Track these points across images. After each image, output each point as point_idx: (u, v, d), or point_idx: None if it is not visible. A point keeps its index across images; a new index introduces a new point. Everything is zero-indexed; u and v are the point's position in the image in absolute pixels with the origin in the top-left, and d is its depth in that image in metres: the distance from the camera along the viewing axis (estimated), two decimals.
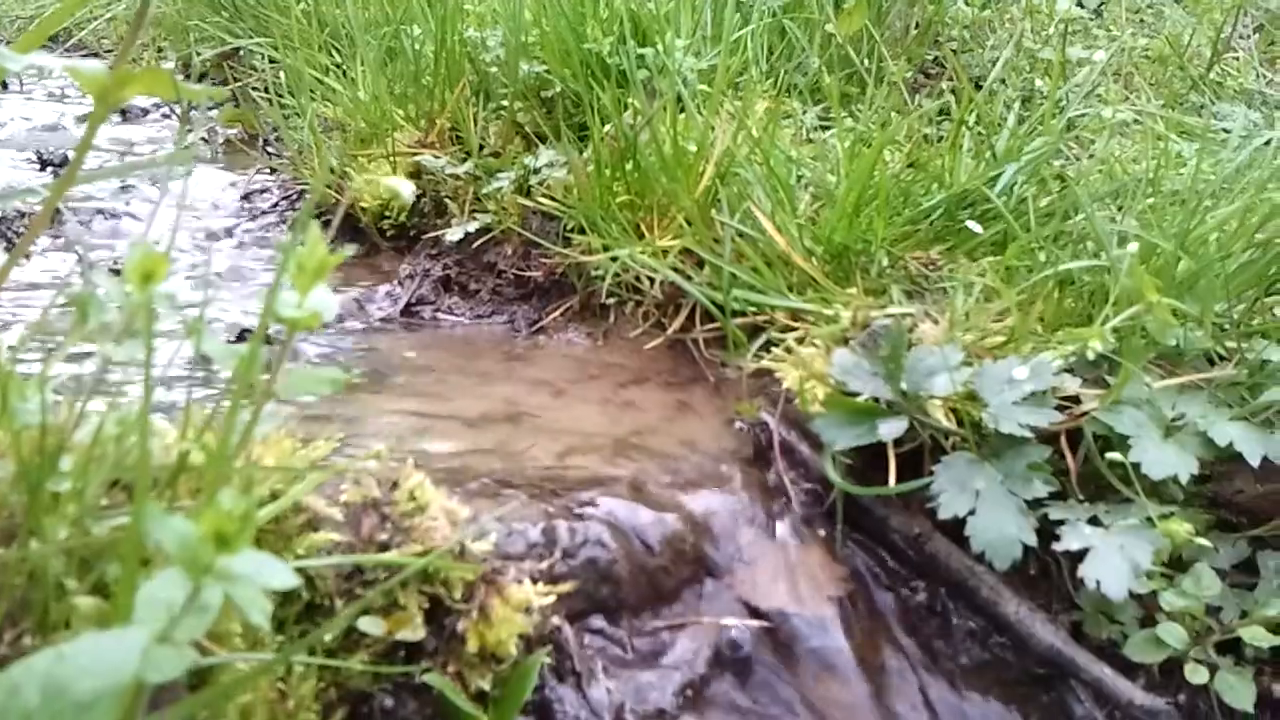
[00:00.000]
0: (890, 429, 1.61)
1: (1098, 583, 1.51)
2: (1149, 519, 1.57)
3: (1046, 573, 1.74)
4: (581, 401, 1.99)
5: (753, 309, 2.01)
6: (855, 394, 1.66)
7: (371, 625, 1.26)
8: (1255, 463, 1.61)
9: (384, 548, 1.30)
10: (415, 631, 1.28)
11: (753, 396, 1.85)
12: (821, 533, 1.70)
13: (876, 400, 1.65)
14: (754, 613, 1.59)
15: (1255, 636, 1.58)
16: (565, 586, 1.42)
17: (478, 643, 1.32)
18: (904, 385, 1.62)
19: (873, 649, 1.61)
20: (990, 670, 1.62)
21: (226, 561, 0.74)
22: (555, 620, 1.45)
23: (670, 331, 2.12)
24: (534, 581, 1.40)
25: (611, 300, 2.23)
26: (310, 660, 1.14)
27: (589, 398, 2.00)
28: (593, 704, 1.44)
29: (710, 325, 2.11)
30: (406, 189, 0.99)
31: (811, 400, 1.67)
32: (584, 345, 2.26)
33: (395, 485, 1.36)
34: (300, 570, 1.24)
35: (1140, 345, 1.67)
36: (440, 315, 2.43)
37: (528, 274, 2.40)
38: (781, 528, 1.69)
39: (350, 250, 1.06)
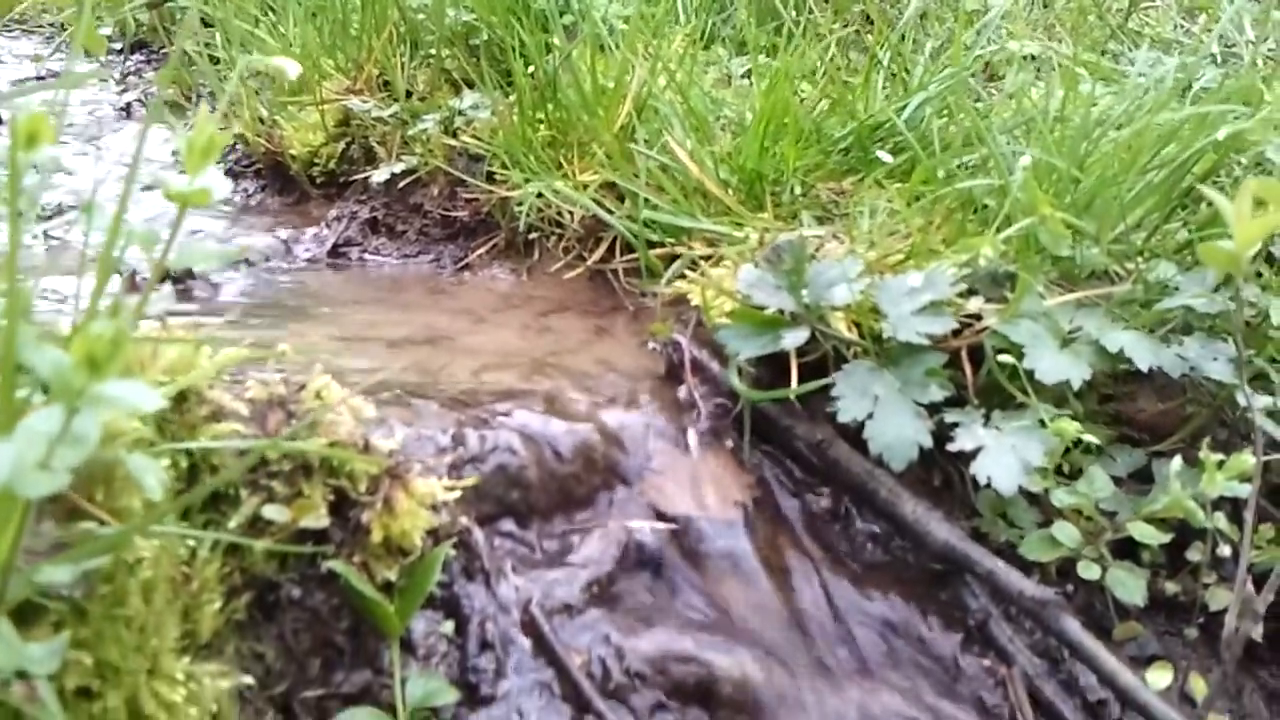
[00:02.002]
0: (793, 338, 1.66)
1: (989, 479, 1.56)
2: (1041, 421, 1.62)
3: (949, 484, 1.80)
4: (501, 328, 2.03)
5: (670, 240, 2.06)
6: (760, 307, 1.70)
7: (276, 513, 1.29)
8: (1144, 368, 1.67)
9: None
10: (319, 519, 1.31)
11: (667, 320, 1.90)
12: (729, 443, 1.75)
13: (780, 312, 1.69)
14: (662, 517, 1.64)
15: (1145, 534, 1.64)
16: (470, 480, 1.45)
17: (382, 533, 1.36)
18: (805, 297, 1.67)
19: (777, 551, 1.66)
20: (890, 570, 1.68)
21: (99, 387, 0.78)
22: (464, 521, 1.49)
23: (590, 262, 2.17)
24: (440, 479, 1.44)
25: (534, 235, 2.27)
26: (209, 535, 1.18)
27: (509, 324, 2.04)
28: (500, 600, 1.48)
29: (629, 256, 2.15)
30: (292, 68, 1.02)
31: (718, 315, 1.72)
32: (508, 280, 2.30)
33: (302, 386, 1.39)
34: (205, 460, 1.28)
35: (1035, 259, 1.73)
36: (367, 256, 2.46)
37: (453, 214, 2.43)
38: (691, 439, 1.74)
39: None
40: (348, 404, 1.39)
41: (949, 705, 1.54)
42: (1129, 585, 1.62)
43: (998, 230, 1.82)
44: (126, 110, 3.53)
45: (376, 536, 1.35)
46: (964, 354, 1.81)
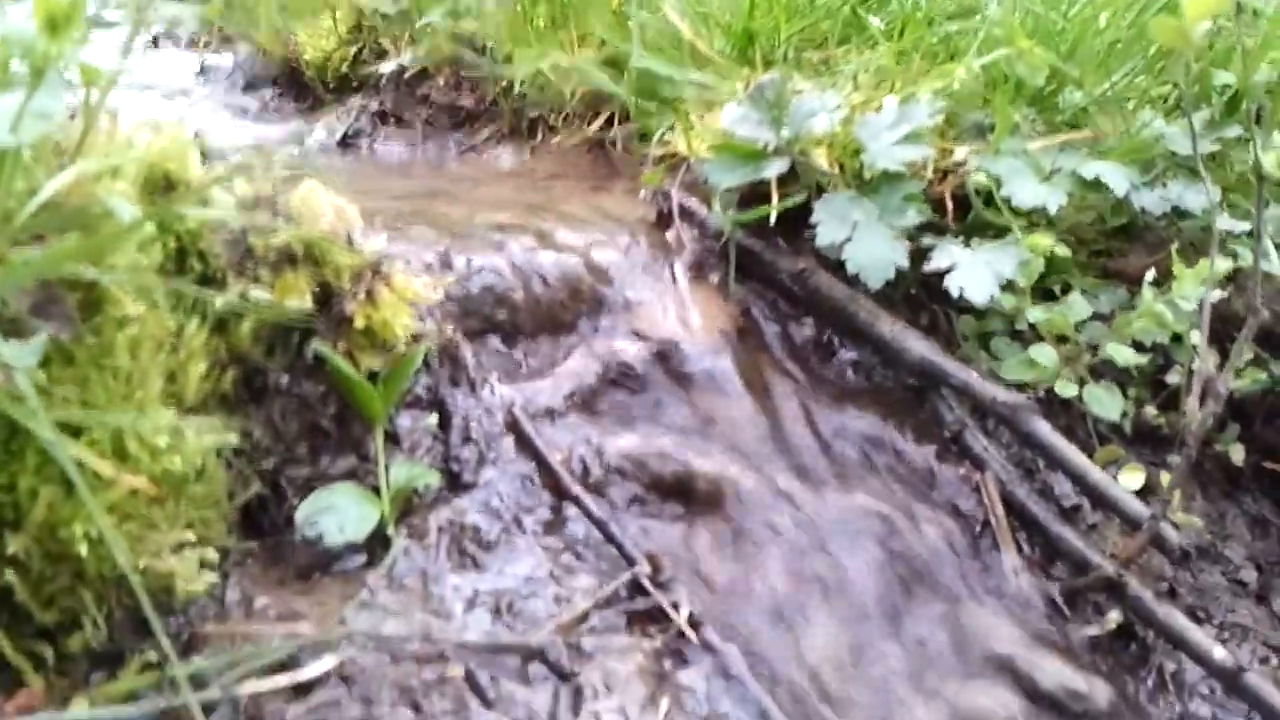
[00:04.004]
0: (774, 168, 1.69)
1: (961, 290, 1.59)
2: (1015, 240, 1.65)
3: (935, 324, 1.84)
4: (501, 187, 2.08)
5: (664, 104, 2.10)
6: (744, 142, 1.74)
7: (261, 293, 1.34)
8: (1120, 193, 1.69)
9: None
10: (302, 301, 1.36)
11: (658, 170, 1.94)
12: (714, 278, 1.79)
13: (763, 146, 1.73)
14: (646, 341, 1.68)
15: (1122, 355, 1.67)
16: (450, 279, 1.51)
17: (364, 322, 1.41)
18: (786, 130, 1.70)
19: (759, 373, 1.70)
20: (870, 393, 1.72)
21: (59, 47, 0.83)
22: (450, 330, 1.55)
23: (589, 132, 2.21)
24: (427, 287, 1.50)
25: (535, 115, 2.32)
26: (186, 288, 1.23)
27: (508, 185, 2.10)
28: (485, 403, 1.53)
29: (627, 125, 2.19)
30: None
31: (703, 152, 1.76)
32: (511, 159, 2.35)
33: (289, 188, 1.45)
34: (193, 244, 1.34)
35: (1011, 90, 1.76)
36: (376, 145, 2.52)
37: (459, 103, 2.49)
38: (677, 274, 1.78)
39: None
40: (334, 205, 1.44)
41: (924, 508, 1.57)
42: (1106, 402, 1.64)
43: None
44: (154, 42, 3.61)
45: (359, 324, 1.40)
46: (947, 197, 1.85)
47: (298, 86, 2.88)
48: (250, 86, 3.01)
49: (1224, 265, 1.50)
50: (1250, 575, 1.70)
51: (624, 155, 2.20)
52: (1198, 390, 1.35)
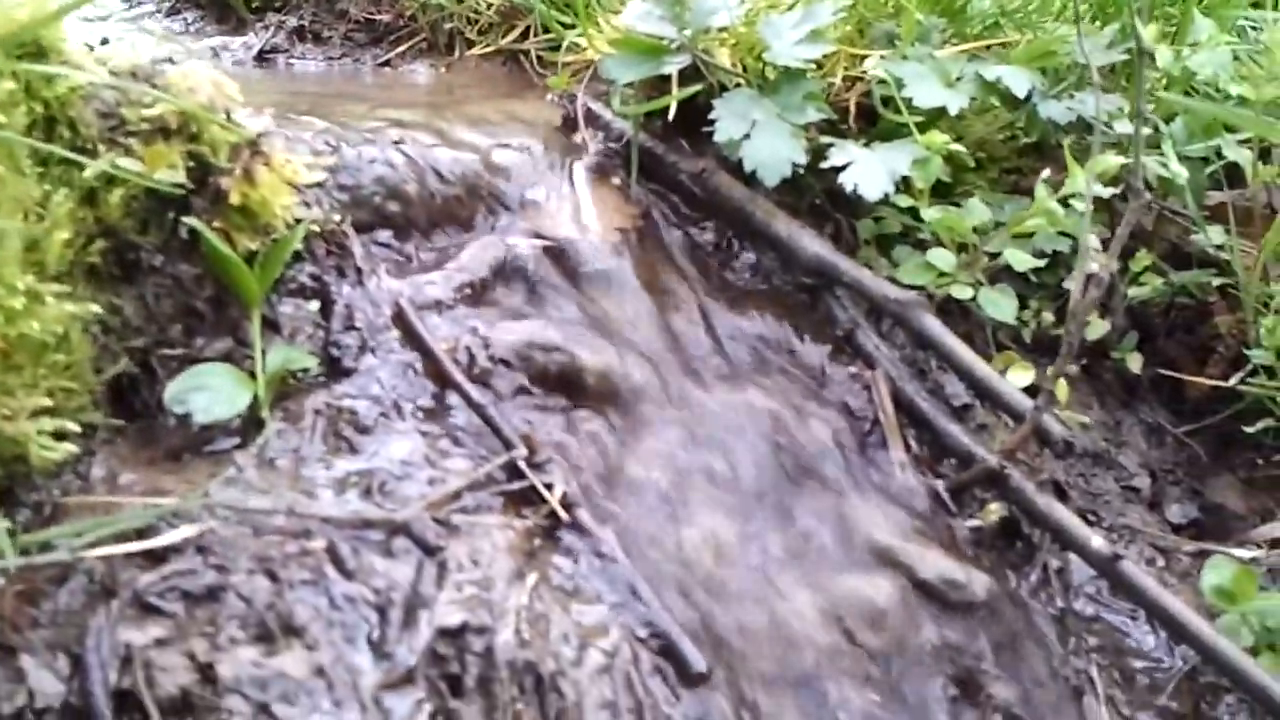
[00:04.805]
0: (675, 64, 1.67)
1: (855, 185, 1.58)
2: (912, 139, 1.64)
3: (840, 236, 1.83)
4: (411, 90, 2.05)
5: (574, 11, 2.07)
6: (645, 38, 1.72)
7: (131, 164, 1.31)
8: (1021, 95, 1.68)
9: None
10: (175, 173, 1.33)
11: (564, 73, 1.92)
12: (616, 181, 1.77)
13: (664, 41, 1.71)
14: (543, 239, 1.66)
15: (1018, 259, 1.67)
16: (330, 159, 1.48)
17: (241, 200, 1.38)
18: (688, 23, 1.68)
19: (656, 274, 1.68)
20: (767, 295, 1.71)
21: None
22: (336, 219, 1.52)
23: (505, 43, 2.19)
24: (309, 169, 1.47)
25: (451, 27, 2.29)
26: (51, 148, 1.20)
27: (419, 88, 2.07)
28: (371, 295, 1.50)
29: (544, 38, 2.17)
30: None
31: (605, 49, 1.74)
32: (427, 73, 2.32)
33: (168, 64, 1.42)
34: (63, 112, 1.31)
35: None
36: (294, 60, 2.48)
37: (377, 17, 2.45)
38: (578, 175, 1.76)
39: None
40: (213, 80, 1.41)
41: (814, 406, 1.56)
42: (1001, 305, 1.64)
43: None
44: None
45: (235, 201, 1.37)
46: (852, 105, 1.84)
47: (221, 8, 2.83)
48: (174, 11, 2.95)
49: (1114, 160, 1.49)
50: (1144, 482, 1.70)
51: (539, 70, 2.17)
52: (1081, 278, 1.35)
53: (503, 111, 1.90)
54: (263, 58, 2.48)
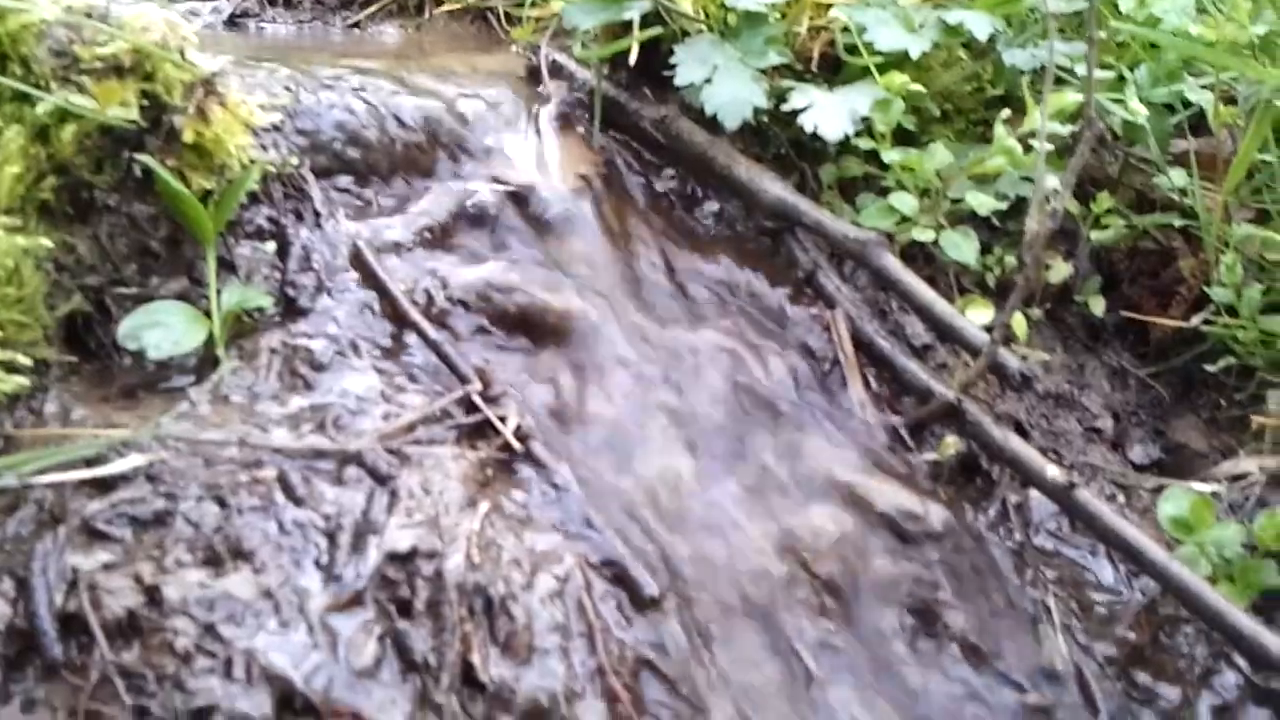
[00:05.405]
0: (635, 9, 1.67)
1: (815, 126, 1.58)
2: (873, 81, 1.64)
3: (804, 185, 1.83)
4: (379, 47, 2.06)
5: None
6: None
7: (84, 101, 1.31)
8: (982, 38, 1.68)
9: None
10: (129, 110, 1.33)
11: (529, 25, 1.92)
12: (579, 130, 1.77)
13: None
14: (505, 185, 1.66)
15: (979, 202, 1.67)
16: (285, 99, 1.48)
17: (194, 138, 1.38)
18: None
19: (620, 220, 1.68)
20: (729, 240, 1.71)
21: None
22: (295, 162, 1.52)
23: (473, 0, 2.19)
24: (264, 109, 1.47)
25: None
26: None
27: (389, 46, 2.07)
28: (329, 237, 1.51)
29: None
30: None
31: None
32: (396, 33, 2.32)
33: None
34: (15, 50, 1.31)
35: None
36: (264, 25, 2.47)
37: None
38: (542, 124, 1.76)
39: None
40: (167, 20, 1.41)
41: (774, 345, 1.57)
42: (962, 246, 1.64)
43: None
44: None
45: (188, 138, 1.37)
46: (816, 53, 1.84)
47: None
48: None
49: (1071, 98, 1.49)
50: (1107, 423, 1.71)
51: (508, 28, 2.18)
52: (1037, 209, 1.35)
53: (468, 64, 1.90)
54: (233, 22, 2.47)
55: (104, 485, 1.15)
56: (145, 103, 1.36)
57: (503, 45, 2.11)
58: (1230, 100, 1.78)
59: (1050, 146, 1.59)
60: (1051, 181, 1.42)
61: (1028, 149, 1.57)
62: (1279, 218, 1.70)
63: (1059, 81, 1.84)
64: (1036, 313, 1.75)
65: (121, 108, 1.34)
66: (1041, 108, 1.37)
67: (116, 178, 1.37)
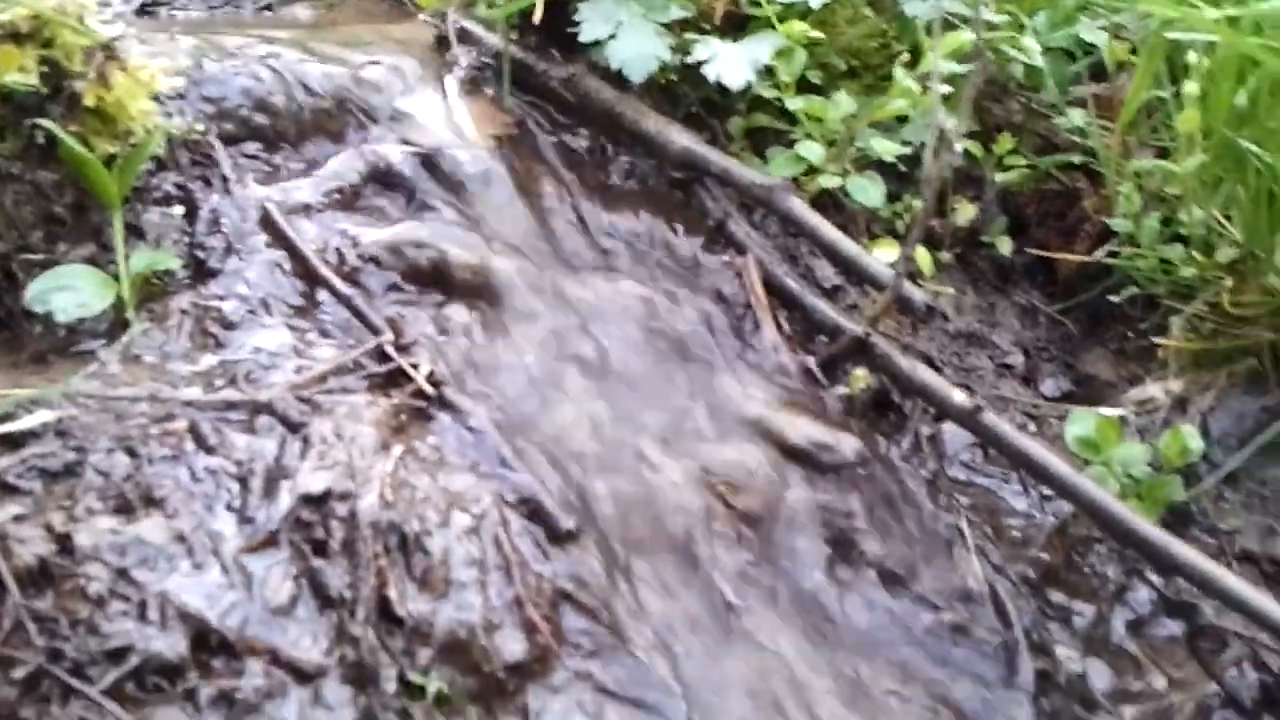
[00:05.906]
0: None
1: (718, 76, 1.61)
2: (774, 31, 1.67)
3: (716, 141, 1.85)
4: (292, 23, 2.06)
5: None
6: None
7: None
8: None
9: None
10: (28, 77, 1.33)
11: None
12: (489, 93, 1.79)
13: None
14: (415, 147, 1.66)
15: (883, 148, 1.70)
16: (187, 66, 1.48)
17: (96, 102, 1.38)
18: None
19: (531, 179, 1.70)
20: (641, 194, 1.73)
21: None
22: (200, 129, 1.52)
23: None
24: (167, 74, 1.47)
25: None
26: None
27: (301, 22, 2.08)
28: (237, 201, 1.51)
29: None
30: None
31: None
32: (309, 14, 2.32)
33: None
34: None
35: None
36: (175, 11, 2.46)
37: None
38: (450, 88, 1.77)
39: None
40: None
41: (688, 293, 1.59)
42: (869, 191, 1.67)
43: None
44: None
45: (89, 103, 1.37)
46: (719, 10, 1.86)
47: None
48: None
49: (964, 37, 1.53)
50: (1018, 359, 1.74)
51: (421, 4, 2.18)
52: (933, 142, 1.38)
53: (376, 32, 1.91)
54: (144, 10, 2.46)
55: (13, 442, 1.14)
56: (45, 69, 1.36)
57: (412, 18, 2.11)
58: (1124, 40, 1.82)
59: (947, 88, 1.62)
60: (948, 120, 1.45)
61: (926, 90, 1.61)
62: (1176, 153, 1.75)
63: (957, 28, 1.88)
64: (946, 256, 1.79)
65: (20, 74, 1.33)
66: (934, 43, 1.40)
67: (19, 145, 1.37)
